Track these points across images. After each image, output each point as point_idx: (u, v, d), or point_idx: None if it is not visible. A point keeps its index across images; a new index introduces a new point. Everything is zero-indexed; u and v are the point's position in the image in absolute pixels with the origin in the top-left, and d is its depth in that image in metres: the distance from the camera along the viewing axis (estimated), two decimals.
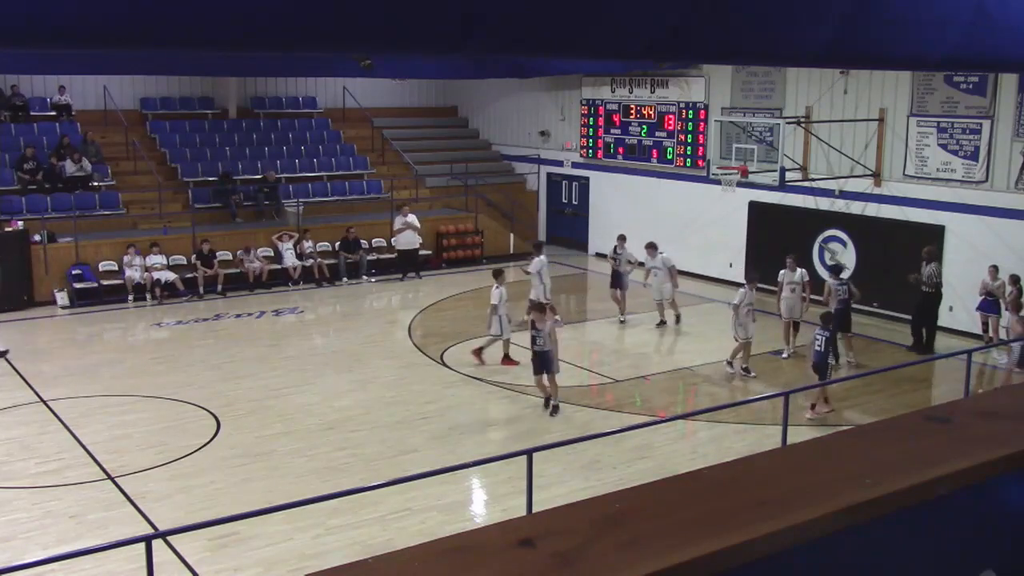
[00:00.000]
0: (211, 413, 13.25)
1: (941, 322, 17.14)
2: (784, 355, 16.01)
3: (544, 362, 13.22)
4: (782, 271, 16.05)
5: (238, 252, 21.11)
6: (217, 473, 11.25)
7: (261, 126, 25.76)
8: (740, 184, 19.19)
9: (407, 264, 22.31)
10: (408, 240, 22.14)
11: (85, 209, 21.12)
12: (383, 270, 22.50)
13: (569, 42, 6.77)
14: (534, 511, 6.33)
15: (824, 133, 19.36)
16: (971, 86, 17.14)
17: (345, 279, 21.91)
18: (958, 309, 17.30)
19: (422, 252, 22.81)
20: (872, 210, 18.86)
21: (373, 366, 15.60)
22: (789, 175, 18.40)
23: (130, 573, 8.44)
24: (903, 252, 17.53)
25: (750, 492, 3.33)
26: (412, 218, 22.12)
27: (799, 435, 11.62)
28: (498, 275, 15.59)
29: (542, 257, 17.50)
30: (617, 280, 18.57)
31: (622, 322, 18.36)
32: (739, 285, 15.54)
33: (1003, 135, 16.82)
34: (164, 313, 19.14)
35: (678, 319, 18.11)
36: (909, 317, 17.30)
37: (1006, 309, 15.78)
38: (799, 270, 15.96)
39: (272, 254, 21.59)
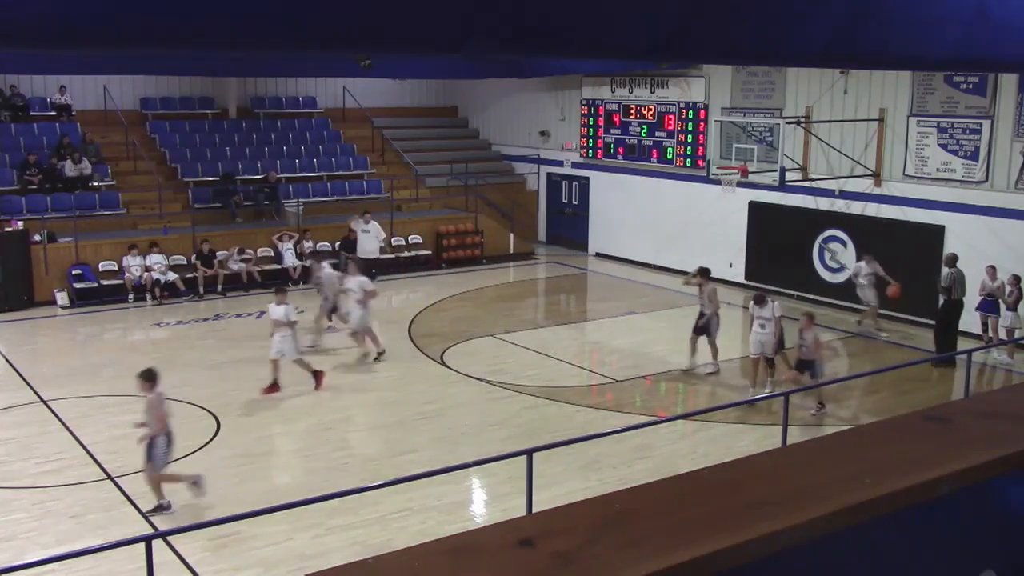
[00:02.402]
0: (211, 413, 13.24)
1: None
2: (752, 393, 13.91)
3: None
4: (751, 303, 14.24)
5: (220, 252, 20.50)
6: (217, 473, 11.25)
7: (261, 126, 25.75)
8: (740, 184, 19.17)
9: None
10: (367, 248, 20.84)
11: (85, 209, 21.12)
12: (383, 270, 22.47)
13: (570, 42, 6.77)
14: (534, 511, 6.34)
15: (824, 133, 19.35)
16: (971, 86, 17.14)
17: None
18: None
19: (413, 254, 22.73)
20: (872, 210, 18.85)
21: (373, 366, 15.59)
22: (789, 175, 18.39)
23: (130, 573, 8.44)
24: (903, 252, 17.53)
25: (750, 492, 3.33)
26: (374, 225, 20.97)
27: (799, 435, 11.64)
28: (279, 292, 14.51)
29: (325, 266, 17.08)
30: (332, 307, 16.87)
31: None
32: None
33: (1003, 135, 16.82)
34: (164, 313, 19.13)
35: (378, 356, 15.75)
36: (909, 317, 17.45)
37: (1007, 309, 15.80)
38: (770, 303, 13.87)
39: (272, 253, 21.58)
